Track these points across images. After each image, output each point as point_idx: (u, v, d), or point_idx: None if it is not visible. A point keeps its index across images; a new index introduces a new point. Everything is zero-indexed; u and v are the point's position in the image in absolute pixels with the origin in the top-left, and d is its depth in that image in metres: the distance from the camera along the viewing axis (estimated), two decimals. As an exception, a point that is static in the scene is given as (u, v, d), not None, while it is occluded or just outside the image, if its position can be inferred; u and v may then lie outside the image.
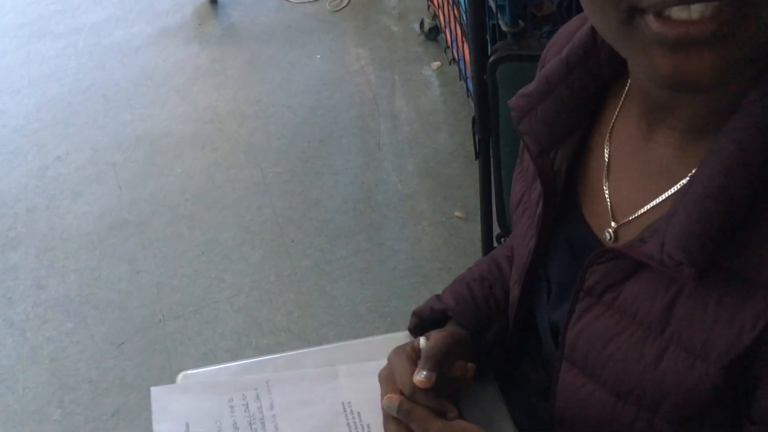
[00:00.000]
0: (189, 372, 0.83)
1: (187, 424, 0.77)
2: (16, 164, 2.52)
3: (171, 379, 1.82)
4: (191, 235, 2.18)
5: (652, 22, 0.47)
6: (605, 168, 0.66)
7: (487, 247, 1.74)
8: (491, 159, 1.55)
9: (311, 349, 0.86)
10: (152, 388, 0.79)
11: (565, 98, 0.66)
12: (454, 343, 0.75)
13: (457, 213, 2.11)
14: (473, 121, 1.51)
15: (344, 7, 3.05)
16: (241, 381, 0.81)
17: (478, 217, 1.69)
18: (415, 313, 0.87)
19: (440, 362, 0.72)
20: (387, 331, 0.90)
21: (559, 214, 0.71)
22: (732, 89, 0.54)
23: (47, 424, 1.74)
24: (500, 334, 0.83)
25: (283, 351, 1.83)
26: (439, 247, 2.03)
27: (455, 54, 2.28)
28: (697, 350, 0.55)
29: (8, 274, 2.13)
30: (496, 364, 0.84)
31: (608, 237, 0.64)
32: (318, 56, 2.81)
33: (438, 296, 0.86)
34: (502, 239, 1.74)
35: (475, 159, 1.57)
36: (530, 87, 0.69)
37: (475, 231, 2.00)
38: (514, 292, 0.79)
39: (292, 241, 2.11)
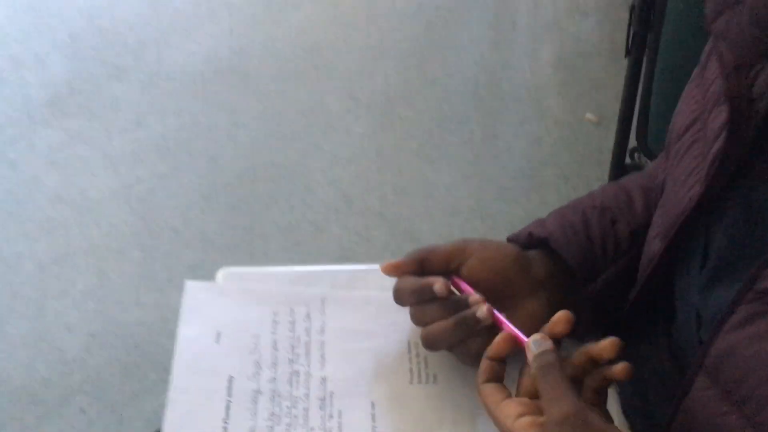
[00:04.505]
0: (232, 269, 0.69)
1: (219, 334, 0.64)
2: (134, -9, 2.43)
3: (251, 244, 1.76)
4: (296, 95, 2.04)
5: None
6: None
7: (618, 160, 1.51)
8: (645, 59, 1.31)
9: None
10: (188, 282, 0.67)
11: None
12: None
13: (588, 115, 1.86)
14: (631, 9, 1.25)
15: None
16: (292, 293, 0.67)
17: (612, 124, 1.47)
18: (510, 240, 0.67)
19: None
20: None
21: (745, 159, 0.50)
22: None
23: (126, 264, 1.71)
24: (613, 287, 0.64)
25: (371, 234, 1.73)
26: (560, 151, 1.81)
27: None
28: None
29: (110, 104, 2.08)
30: (605, 330, 0.66)
31: None
32: None
33: (542, 220, 0.67)
34: (636, 154, 1.51)
35: (625, 56, 1.33)
36: None
37: (605, 139, 1.76)
38: (654, 247, 0.59)
39: (400, 118, 1.93)
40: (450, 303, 0.59)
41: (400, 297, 0.61)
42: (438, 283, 0.58)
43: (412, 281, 0.60)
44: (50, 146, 1.97)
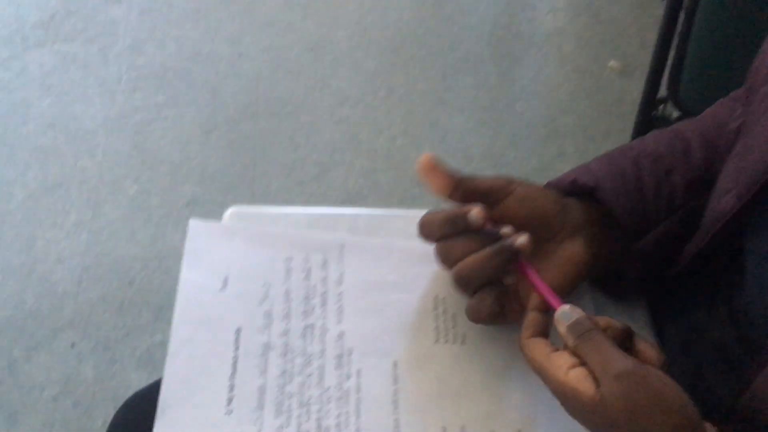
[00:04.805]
0: (241, 208, 0.62)
1: (226, 280, 0.58)
2: None
3: (252, 181, 1.69)
4: (303, 27, 1.94)
5: None
6: None
7: (645, 109, 1.43)
8: (683, 3, 1.21)
9: (405, 211, 0.63)
10: (192, 221, 0.60)
11: None
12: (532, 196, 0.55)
13: (611, 63, 1.77)
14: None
15: None
16: (308, 237, 0.61)
17: (637, 73, 1.39)
18: (550, 185, 0.60)
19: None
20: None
21: None
22: None
23: (121, 197, 1.64)
24: (663, 244, 0.57)
25: (377, 178, 1.65)
26: (580, 99, 1.72)
27: None
28: None
29: (107, 29, 1.97)
30: (653, 293, 0.60)
31: None
32: None
33: (586, 166, 0.60)
34: (662, 106, 1.43)
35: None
36: None
37: (628, 88, 1.68)
38: (725, 203, 0.52)
39: (412, 57, 1.84)
40: (483, 236, 0.53)
41: (427, 228, 0.55)
42: (474, 210, 0.52)
43: (442, 211, 0.54)
44: (44, 70, 1.87)
